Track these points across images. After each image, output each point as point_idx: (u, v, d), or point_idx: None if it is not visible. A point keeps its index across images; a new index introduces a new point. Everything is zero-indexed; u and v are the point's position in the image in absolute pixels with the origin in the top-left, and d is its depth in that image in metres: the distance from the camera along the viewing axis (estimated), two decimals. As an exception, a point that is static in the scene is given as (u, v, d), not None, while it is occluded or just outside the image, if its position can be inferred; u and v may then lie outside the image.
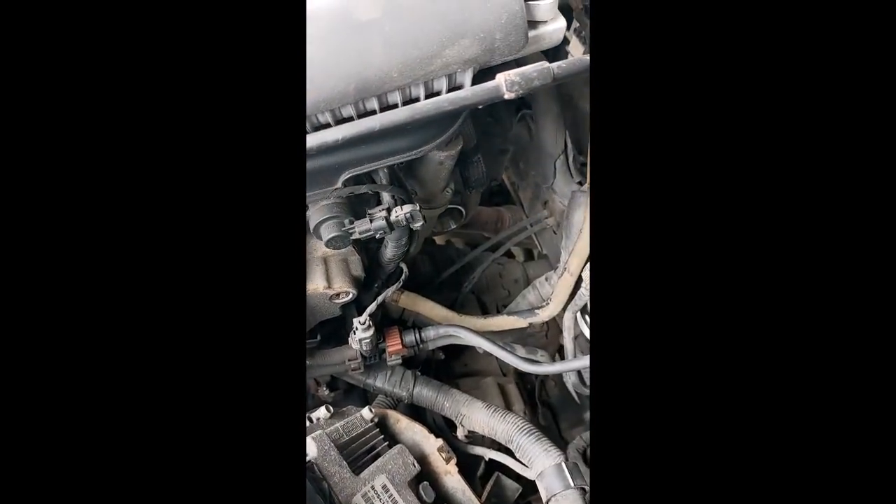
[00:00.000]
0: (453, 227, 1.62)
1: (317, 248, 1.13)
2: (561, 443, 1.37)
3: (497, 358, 1.36)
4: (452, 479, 1.18)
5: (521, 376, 1.65)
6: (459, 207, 1.57)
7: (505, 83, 0.79)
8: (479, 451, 1.25)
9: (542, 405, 1.65)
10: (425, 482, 1.12)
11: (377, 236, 1.04)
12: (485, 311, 1.68)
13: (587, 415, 1.61)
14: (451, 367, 1.55)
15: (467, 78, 0.84)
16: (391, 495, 1.04)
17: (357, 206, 1.09)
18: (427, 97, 0.85)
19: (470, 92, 0.79)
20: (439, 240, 1.95)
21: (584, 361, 1.19)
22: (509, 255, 1.95)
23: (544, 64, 0.81)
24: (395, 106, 0.85)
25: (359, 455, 1.09)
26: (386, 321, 1.37)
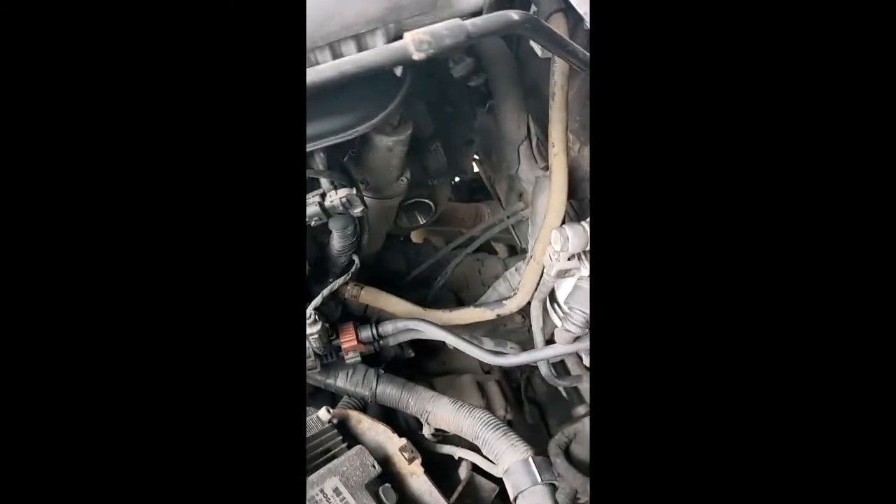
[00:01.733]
0: (423, 221, 1.56)
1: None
2: (549, 440, 1.29)
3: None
4: (418, 480, 1.11)
5: (507, 374, 1.58)
6: (427, 201, 1.52)
7: (413, 42, 0.74)
8: (447, 449, 1.19)
9: (528, 403, 1.57)
10: (387, 484, 1.05)
11: (313, 223, 0.99)
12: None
13: (576, 409, 1.53)
14: (427, 365, 1.49)
15: (378, 42, 0.79)
16: (343, 498, 0.98)
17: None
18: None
19: (373, 52, 0.73)
20: (417, 238, 1.90)
21: (552, 350, 1.12)
22: (492, 251, 1.89)
23: (457, 21, 0.75)
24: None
25: (311, 457, 1.03)
26: (351, 319, 1.31)
